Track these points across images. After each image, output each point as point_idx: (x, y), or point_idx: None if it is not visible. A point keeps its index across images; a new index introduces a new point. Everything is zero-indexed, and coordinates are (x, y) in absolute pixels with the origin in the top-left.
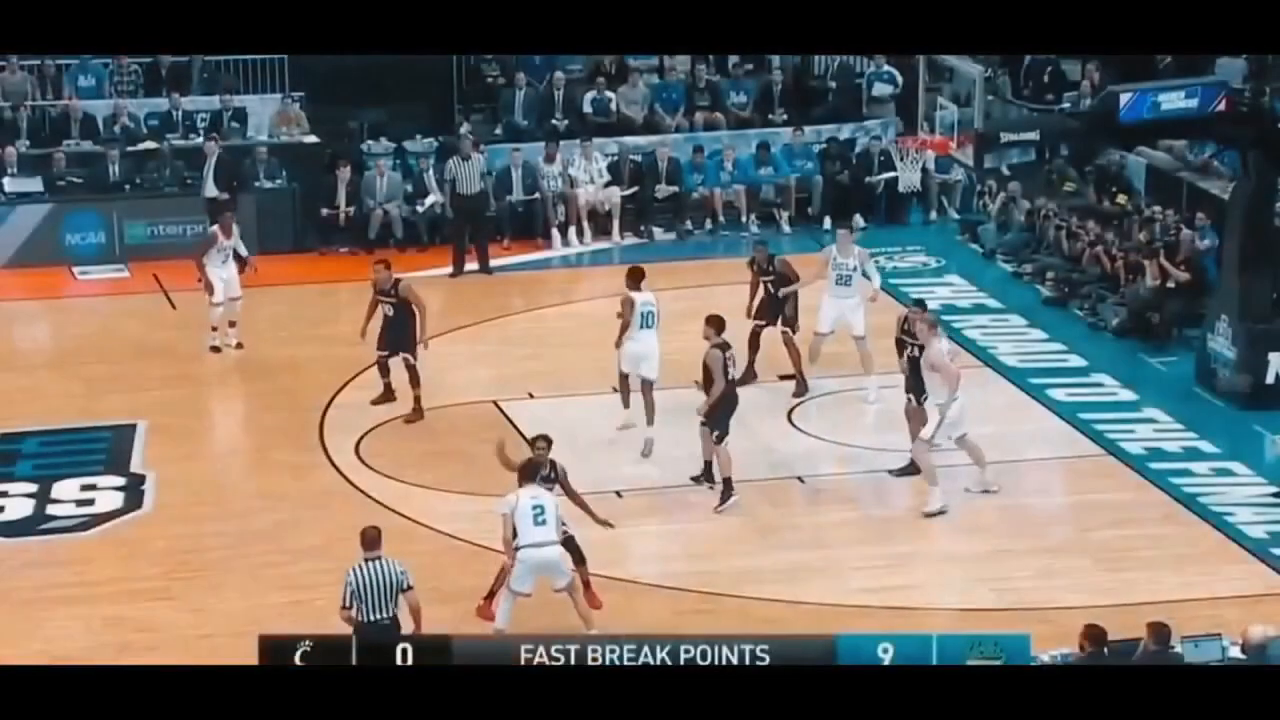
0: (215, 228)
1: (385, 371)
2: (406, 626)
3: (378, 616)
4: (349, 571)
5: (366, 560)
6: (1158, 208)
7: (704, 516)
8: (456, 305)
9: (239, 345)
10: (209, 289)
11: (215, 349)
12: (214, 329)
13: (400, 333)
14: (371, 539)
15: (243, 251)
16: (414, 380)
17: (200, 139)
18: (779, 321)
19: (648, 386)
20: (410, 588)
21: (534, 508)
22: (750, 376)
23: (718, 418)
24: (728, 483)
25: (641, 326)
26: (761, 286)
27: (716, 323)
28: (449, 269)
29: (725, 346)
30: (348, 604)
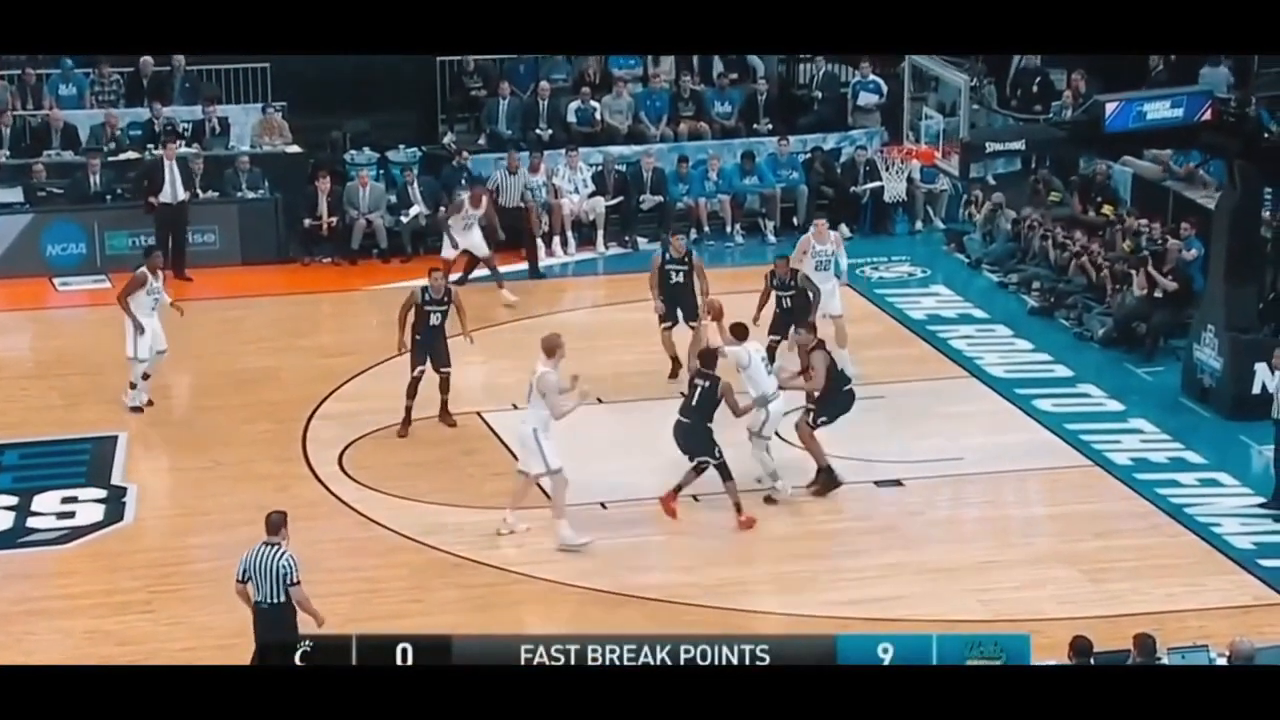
0: (143, 268)
1: (414, 393)
2: None
3: (266, 598)
4: (248, 550)
5: (264, 544)
6: (1144, 220)
7: (691, 528)
8: None
9: (149, 403)
10: (139, 328)
11: (138, 409)
12: (133, 385)
13: (441, 344)
14: (274, 524)
15: (166, 299)
16: (446, 386)
17: (183, 148)
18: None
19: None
20: (295, 583)
21: (762, 358)
22: None
23: None
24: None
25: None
26: (774, 300)
27: None
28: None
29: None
30: (241, 579)
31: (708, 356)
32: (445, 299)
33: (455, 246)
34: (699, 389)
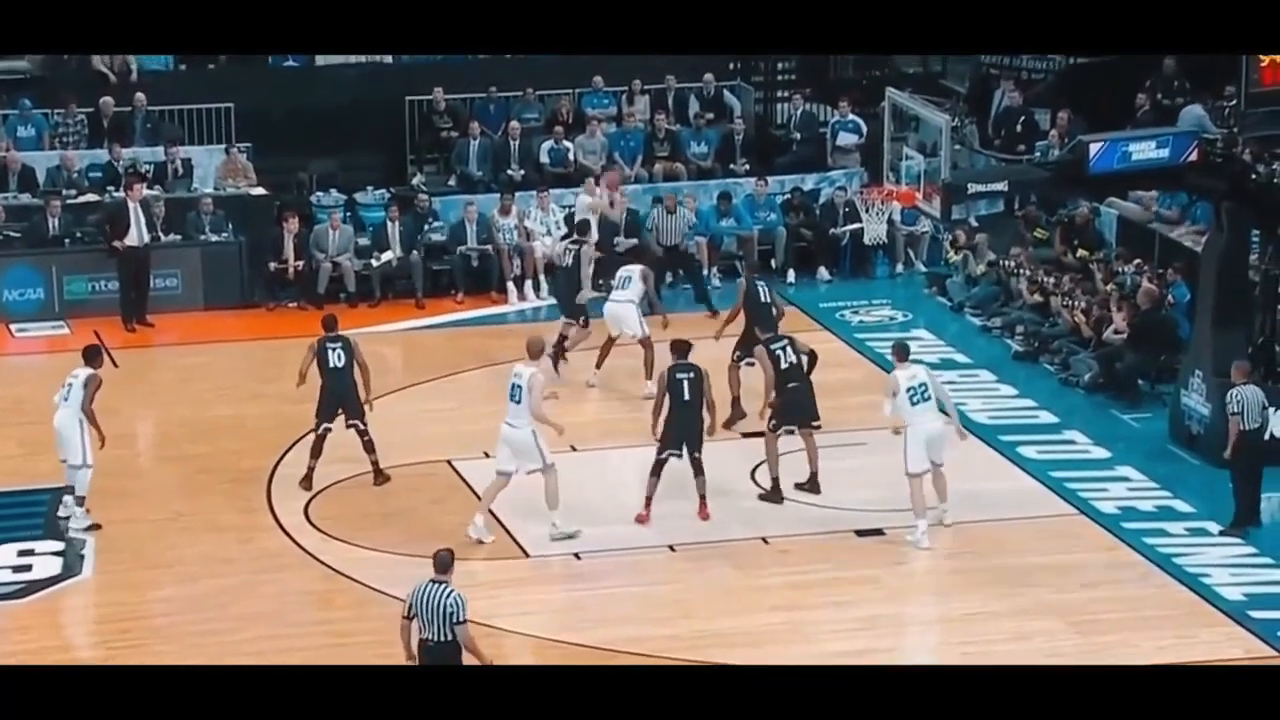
0: (99, 371)
1: (319, 451)
2: None
3: (433, 636)
4: (415, 585)
5: (431, 581)
6: (1121, 264)
7: (666, 578)
8: (411, 361)
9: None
10: (100, 441)
11: (97, 526)
12: (82, 502)
13: (350, 392)
14: (442, 562)
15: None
16: (370, 447)
17: (147, 191)
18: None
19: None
20: (462, 622)
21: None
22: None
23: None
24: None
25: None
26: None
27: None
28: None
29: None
30: (408, 614)
31: (680, 346)
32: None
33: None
34: (685, 381)
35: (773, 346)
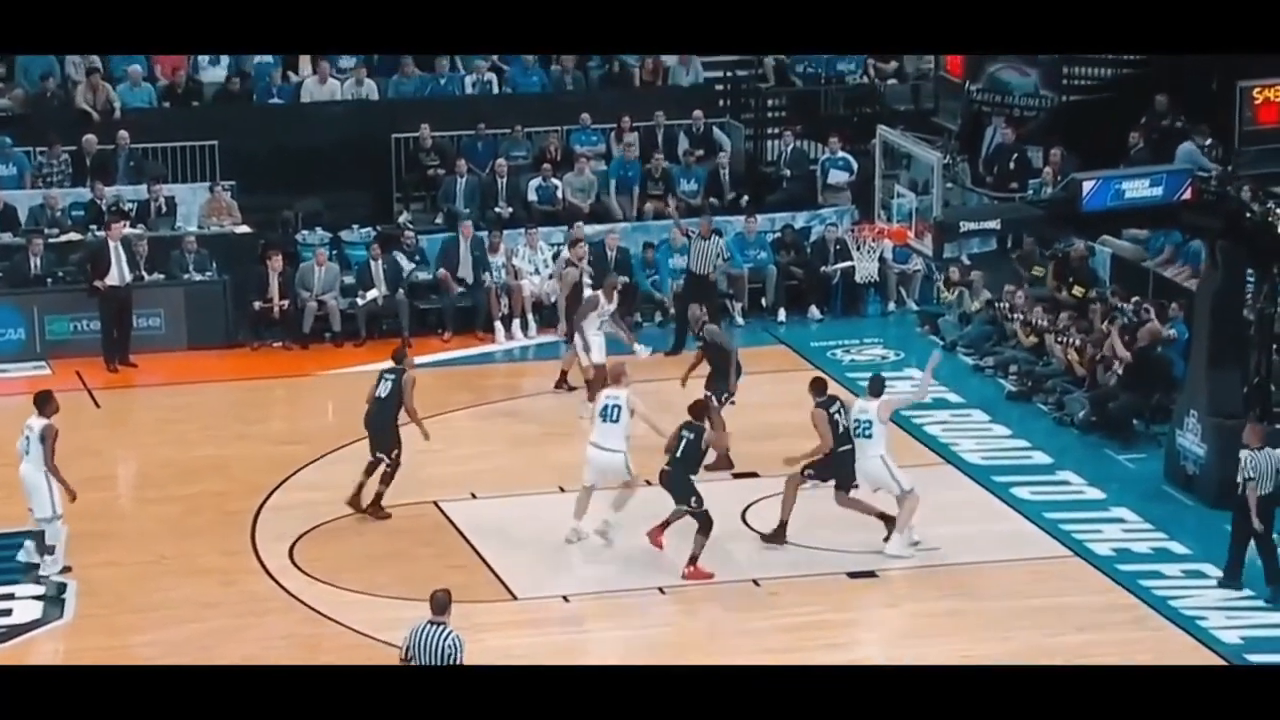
0: (53, 421)
1: (371, 471)
2: None
3: None
4: (413, 626)
5: (429, 623)
6: (1119, 302)
7: (655, 621)
8: None
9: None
10: (71, 496)
11: (67, 568)
12: (52, 551)
13: (382, 423)
14: (440, 603)
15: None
16: (385, 478)
17: (127, 228)
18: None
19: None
20: (458, 665)
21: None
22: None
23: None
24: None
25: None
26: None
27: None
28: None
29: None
30: (405, 657)
31: (697, 408)
32: (397, 371)
33: (589, 349)
34: (684, 439)
35: (831, 410)
